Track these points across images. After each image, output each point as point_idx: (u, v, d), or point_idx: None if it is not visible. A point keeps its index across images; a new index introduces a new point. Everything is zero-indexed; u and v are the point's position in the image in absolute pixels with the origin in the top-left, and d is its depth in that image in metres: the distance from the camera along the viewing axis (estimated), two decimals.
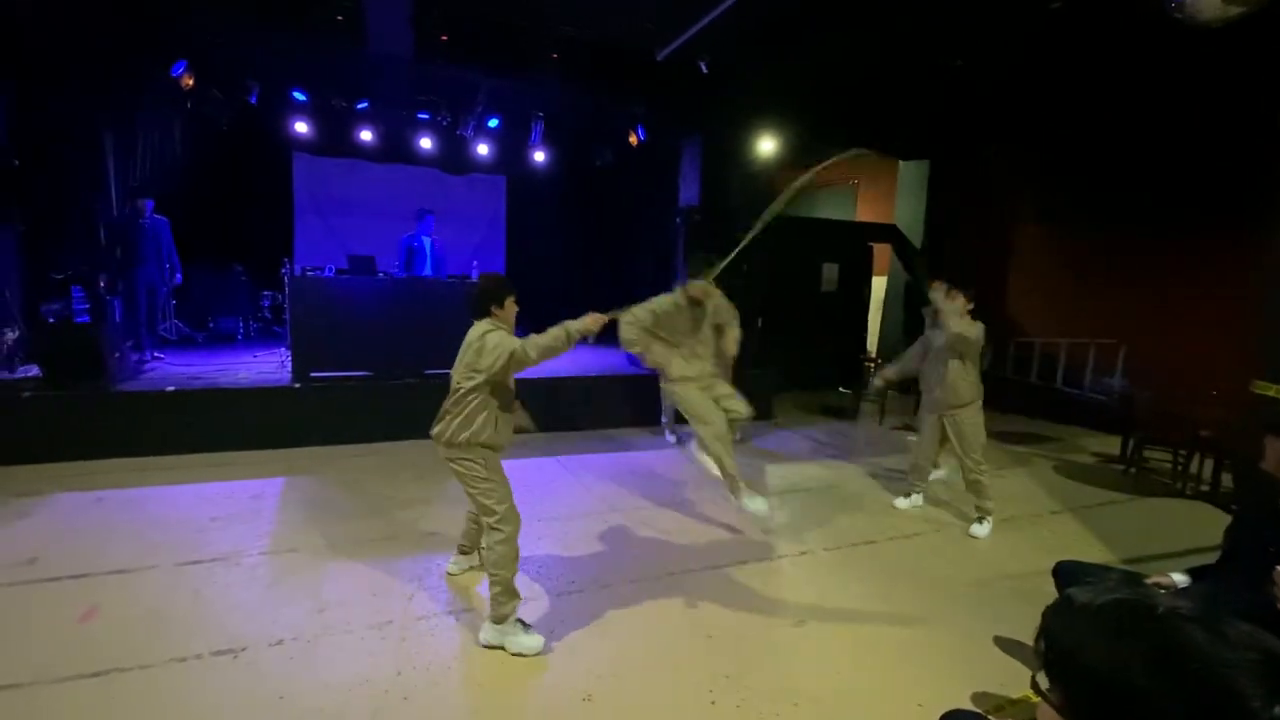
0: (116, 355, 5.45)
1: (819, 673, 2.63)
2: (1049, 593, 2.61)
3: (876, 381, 4.77)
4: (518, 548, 2.77)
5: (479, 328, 2.80)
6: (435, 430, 2.83)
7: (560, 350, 2.71)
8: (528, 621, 2.77)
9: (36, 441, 4.73)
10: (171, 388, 5.25)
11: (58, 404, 4.83)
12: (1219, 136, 6.04)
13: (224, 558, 3.38)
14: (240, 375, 5.90)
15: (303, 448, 5.32)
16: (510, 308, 2.89)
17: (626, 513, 4.26)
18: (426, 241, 7.06)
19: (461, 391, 2.75)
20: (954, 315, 3.88)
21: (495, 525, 2.74)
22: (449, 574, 3.31)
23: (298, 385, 5.56)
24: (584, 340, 2.81)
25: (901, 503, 4.57)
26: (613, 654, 2.70)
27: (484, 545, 2.78)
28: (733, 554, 3.70)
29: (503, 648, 2.68)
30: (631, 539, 3.86)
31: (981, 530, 4.10)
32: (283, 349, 6.48)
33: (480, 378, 2.70)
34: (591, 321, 2.78)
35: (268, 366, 6.32)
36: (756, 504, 3.85)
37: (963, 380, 4.05)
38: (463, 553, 3.36)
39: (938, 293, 4.00)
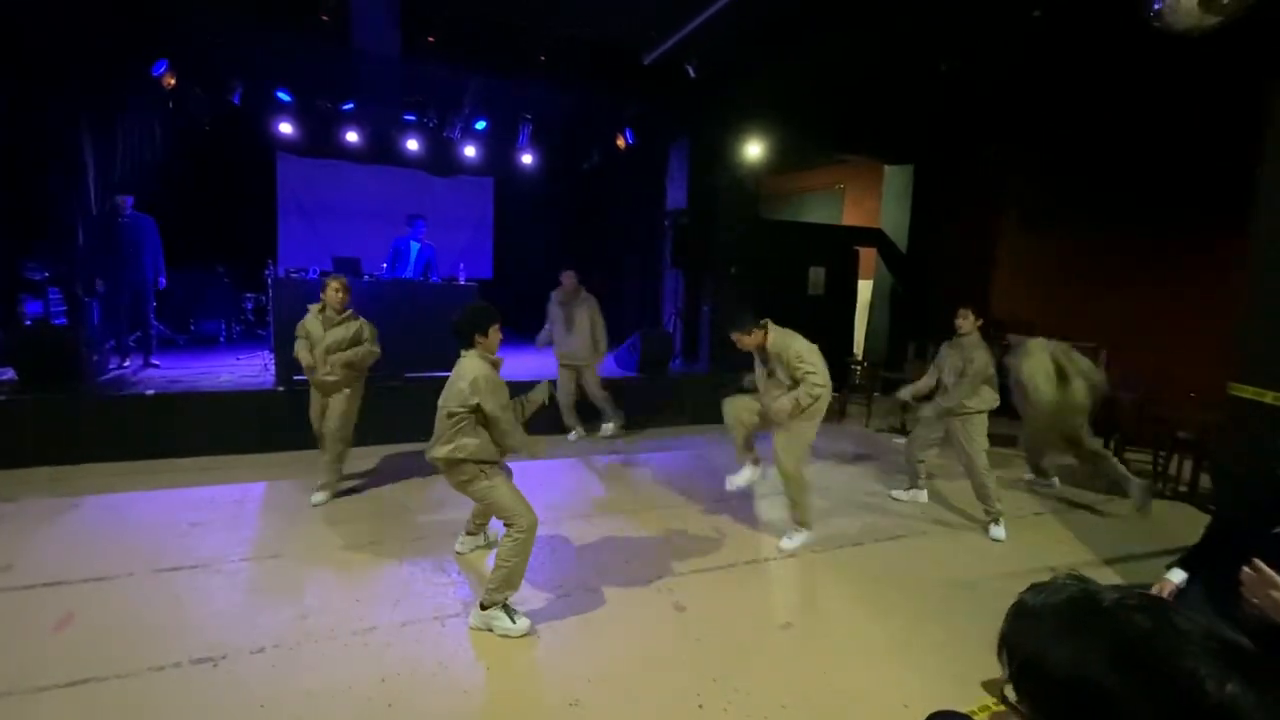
0: (94, 358, 5.36)
1: (806, 675, 2.63)
2: None
3: (901, 395, 4.82)
4: (532, 544, 2.89)
5: (464, 362, 2.90)
6: (429, 454, 2.92)
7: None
8: (472, 624, 2.86)
9: (11, 446, 4.62)
10: (151, 391, 5.16)
11: (34, 407, 4.74)
12: (1198, 141, 6.15)
13: (204, 564, 3.33)
14: (222, 378, 5.82)
15: (285, 452, 5.25)
16: (494, 335, 2.95)
17: (613, 516, 4.25)
18: (414, 246, 6.99)
19: (450, 419, 2.84)
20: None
21: (511, 522, 2.87)
22: (457, 553, 3.53)
23: (281, 389, 5.49)
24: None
25: (900, 494, 4.77)
26: (600, 658, 2.69)
27: (502, 537, 2.95)
28: (720, 557, 3.70)
29: (489, 630, 2.80)
30: (618, 542, 3.85)
31: (999, 532, 4.15)
32: (266, 352, 6.40)
33: (465, 410, 2.81)
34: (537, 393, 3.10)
35: (250, 370, 6.24)
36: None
37: (974, 389, 4.23)
38: (469, 533, 3.56)
39: (965, 320, 4.29)
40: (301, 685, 2.42)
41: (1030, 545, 4.05)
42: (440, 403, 2.91)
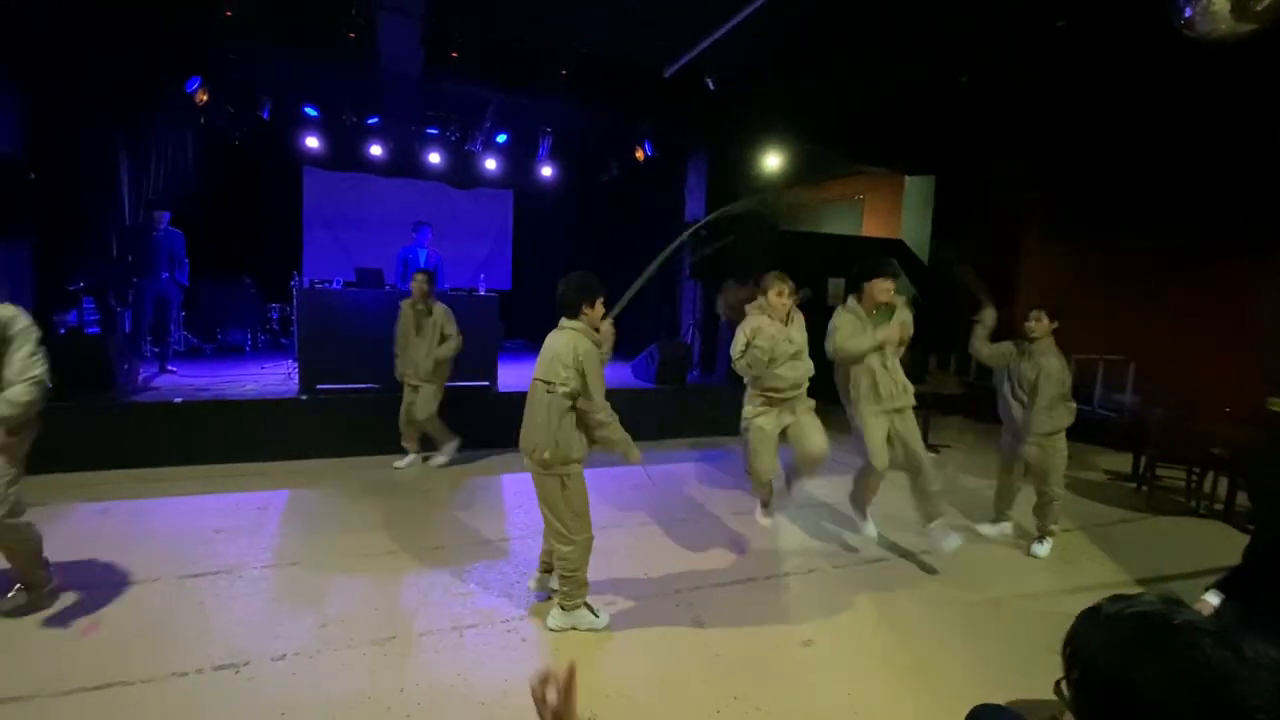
0: (126, 367, 5.48)
1: (828, 693, 2.58)
2: (1062, 612, 2.56)
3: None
4: (588, 552, 2.90)
5: (567, 335, 2.74)
6: (522, 443, 2.82)
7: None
8: (553, 626, 2.92)
9: (43, 452, 4.67)
10: (179, 399, 5.26)
11: (66, 415, 4.84)
12: (1229, 150, 6.02)
13: (228, 570, 3.37)
14: (247, 387, 5.92)
15: (308, 460, 5.31)
16: (599, 309, 2.84)
17: (631, 528, 4.23)
18: (421, 254, 7.08)
19: (547, 402, 2.70)
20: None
21: (566, 535, 2.82)
22: (530, 588, 3.23)
23: (304, 397, 5.57)
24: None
25: (988, 530, 4.34)
26: (618, 673, 2.66)
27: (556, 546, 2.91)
28: (740, 571, 3.66)
29: (573, 628, 2.90)
30: (636, 555, 3.82)
31: (1043, 549, 4.02)
32: (290, 361, 6.50)
33: (565, 391, 2.68)
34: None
35: (275, 378, 6.34)
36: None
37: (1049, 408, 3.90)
38: (545, 570, 3.19)
39: (1039, 322, 3.90)
40: (321, 693, 2.42)
41: (1060, 564, 3.94)
42: (536, 377, 2.76)
